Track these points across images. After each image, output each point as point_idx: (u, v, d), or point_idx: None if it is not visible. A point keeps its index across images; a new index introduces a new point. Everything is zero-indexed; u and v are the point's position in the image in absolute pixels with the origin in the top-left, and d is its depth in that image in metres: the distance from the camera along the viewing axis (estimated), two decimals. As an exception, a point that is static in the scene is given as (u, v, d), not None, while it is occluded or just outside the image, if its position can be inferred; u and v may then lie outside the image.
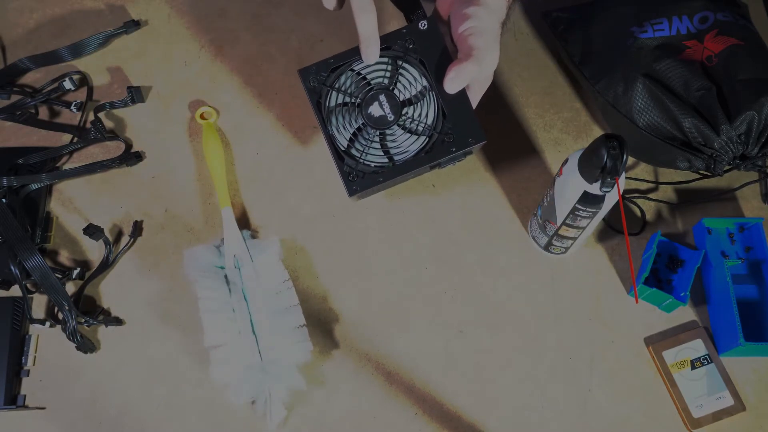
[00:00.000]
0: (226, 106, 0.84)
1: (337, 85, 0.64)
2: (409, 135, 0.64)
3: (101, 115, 0.83)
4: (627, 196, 0.79)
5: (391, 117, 0.64)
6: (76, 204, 0.79)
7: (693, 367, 0.71)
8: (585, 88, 0.81)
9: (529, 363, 0.72)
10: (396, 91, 0.64)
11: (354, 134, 0.64)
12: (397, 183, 0.68)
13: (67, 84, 0.83)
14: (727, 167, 0.75)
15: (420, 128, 0.64)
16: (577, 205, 0.64)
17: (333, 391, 0.71)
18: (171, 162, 0.81)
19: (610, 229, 0.77)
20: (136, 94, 0.83)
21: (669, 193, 0.79)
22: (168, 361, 0.72)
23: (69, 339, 0.70)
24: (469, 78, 0.63)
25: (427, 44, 0.64)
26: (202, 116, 0.82)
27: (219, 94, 0.84)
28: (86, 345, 0.71)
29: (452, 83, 0.63)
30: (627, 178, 0.79)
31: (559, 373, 0.72)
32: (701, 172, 0.78)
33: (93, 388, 0.71)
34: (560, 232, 0.70)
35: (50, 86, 0.83)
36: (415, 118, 0.64)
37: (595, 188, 0.62)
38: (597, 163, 0.59)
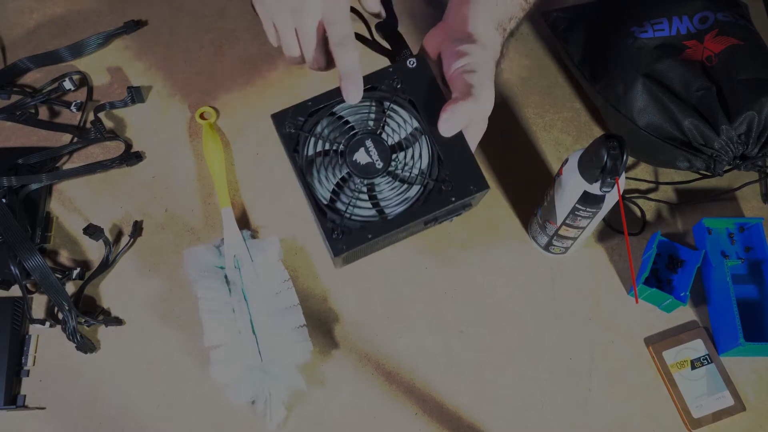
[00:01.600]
0: (226, 106, 0.84)
1: (316, 131, 0.58)
2: (401, 184, 0.57)
3: (101, 115, 0.83)
4: (627, 196, 0.79)
5: (379, 164, 0.56)
6: (76, 204, 0.79)
7: (693, 367, 0.71)
8: (585, 88, 0.81)
9: (529, 363, 0.72)
10: (384, 135, 0.57)
11: (338, 185, 0.57)
12: (389, 242, 0.60)
13: (67, 84, 0.83)
14: (727, 167, 0.75)
15: (413, 176, 0.57)
16: (577, 205, 0.64)
17: (333, 391, 0.71)
18: (171, 162, 0.81)
19: (610, 229, 0.77)
20: (136, 94, 0.83)
21: (669, 193, 0.79)
22: (168, 361, 0.72)
23: (69, 339, 0.70)
24: (466, 118, 0.57)
25: (417, 84, 0.58)
26: (202, 116, 0.82)
27: (219, 94, 0.84)
28: (86, 345, 0.71)
29: (448, 124, 0.57)
30: (627, 178, 0.79)
31: (559, 373, 0.72)
32: (701, 172, 0.78)
33: (93, 388, 0.71)
34: (560, 232, 0.70)
35: (50, 86, 0.83)
36: (407, 164, 0.57)
37: (595, 188, 0.62)
38: (597, 163, 0.59)
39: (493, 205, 0.79)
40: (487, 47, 0.61)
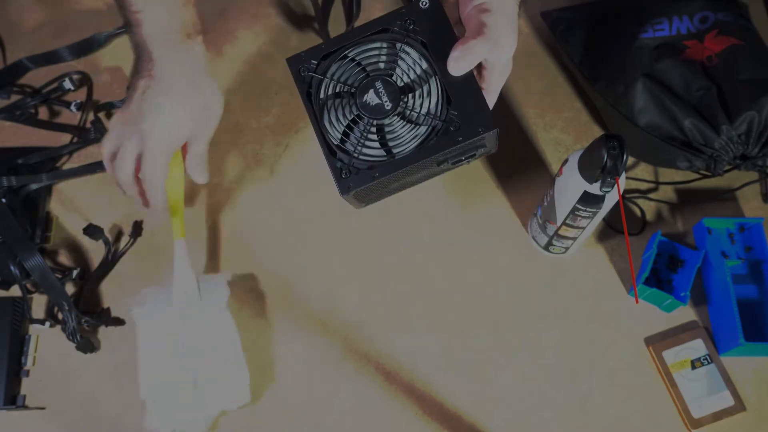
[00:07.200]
0: (225, 106, 0.83)
1: (329, 73, 0.59)
2: (409, 125, 0.58)
3: (101, 115, 0.83)
4: (627, 196, 0.79)
5: (388, 105, 0.57)
6: (76, 204, 0.79)
7: (693, 367, 0.71)
8: (585, 88, 0.81)
9: (529, 363, 0.72)
10: (394, 77, 0.58)
11: (349, 127, 0.58)
12: (403, 185, 0.62)
13: (67, 84, 0.83)
14: (727, 167, 0.75)
15: (421, 116, 0.57)
16: (577, 205, 0.64)
17: (333, 391, 0.71)
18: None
19: (610, 229, 0.77)
20: (136, 94, 0.83)
21: (669, 193, 0.79)
22: (168, 361, 0.72)
23: (69, 339, 0.70)
24: (477, 58, 0.56)
25: (430, 25, 0.58)
26: None
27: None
28: (86, 345, 0.71)
29: (457, 63, 0.55)
30: (627, 178, 0.79)
31: (559, 373, 0.72)
32: (701, 172, 0.78)
33: (93, 388, 0.71)
34: (560, 232, 0.70)
35: (50, 86, 0.83)
36: (416, 105, 0.57)
37: (595, 188, 0.62)
38: (597, 163, 0.59)
39: (493, 204, 0.79)
40: None
